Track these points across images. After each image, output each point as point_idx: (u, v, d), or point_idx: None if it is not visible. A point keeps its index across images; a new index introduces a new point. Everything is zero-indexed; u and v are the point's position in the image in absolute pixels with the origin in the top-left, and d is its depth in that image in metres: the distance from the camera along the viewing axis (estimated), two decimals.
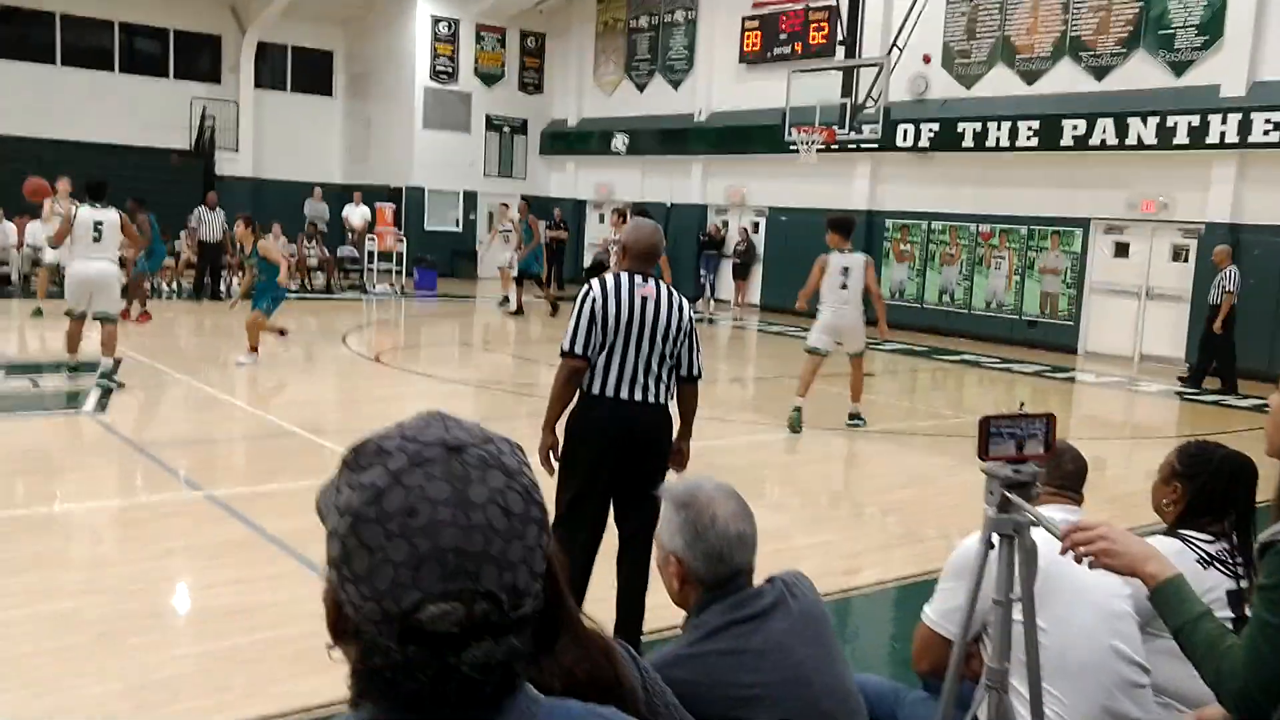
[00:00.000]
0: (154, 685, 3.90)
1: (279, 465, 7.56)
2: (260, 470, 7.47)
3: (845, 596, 5.38)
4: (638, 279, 4.17)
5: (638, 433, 4.16)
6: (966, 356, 15.53)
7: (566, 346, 4.13)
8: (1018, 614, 2.17)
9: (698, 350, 4.31)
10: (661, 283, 4.24)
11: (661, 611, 4.29)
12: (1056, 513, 2.47)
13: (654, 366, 4.15)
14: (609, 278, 4.19)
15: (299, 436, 8.26)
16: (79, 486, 6.59)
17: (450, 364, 13.63)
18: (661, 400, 4.21)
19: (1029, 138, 16.50)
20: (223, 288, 18.02)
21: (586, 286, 4.21)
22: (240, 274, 15.82)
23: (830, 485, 8.08)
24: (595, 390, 4.14)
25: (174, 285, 18.62)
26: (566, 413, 4.23)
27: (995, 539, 2.13)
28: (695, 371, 4.31)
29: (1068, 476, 2.79)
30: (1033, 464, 2.12)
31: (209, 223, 17.92)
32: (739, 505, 2.06)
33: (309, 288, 20.04)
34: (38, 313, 14.13)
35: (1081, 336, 16.59)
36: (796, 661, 1.95)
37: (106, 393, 9.06)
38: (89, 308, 9.48)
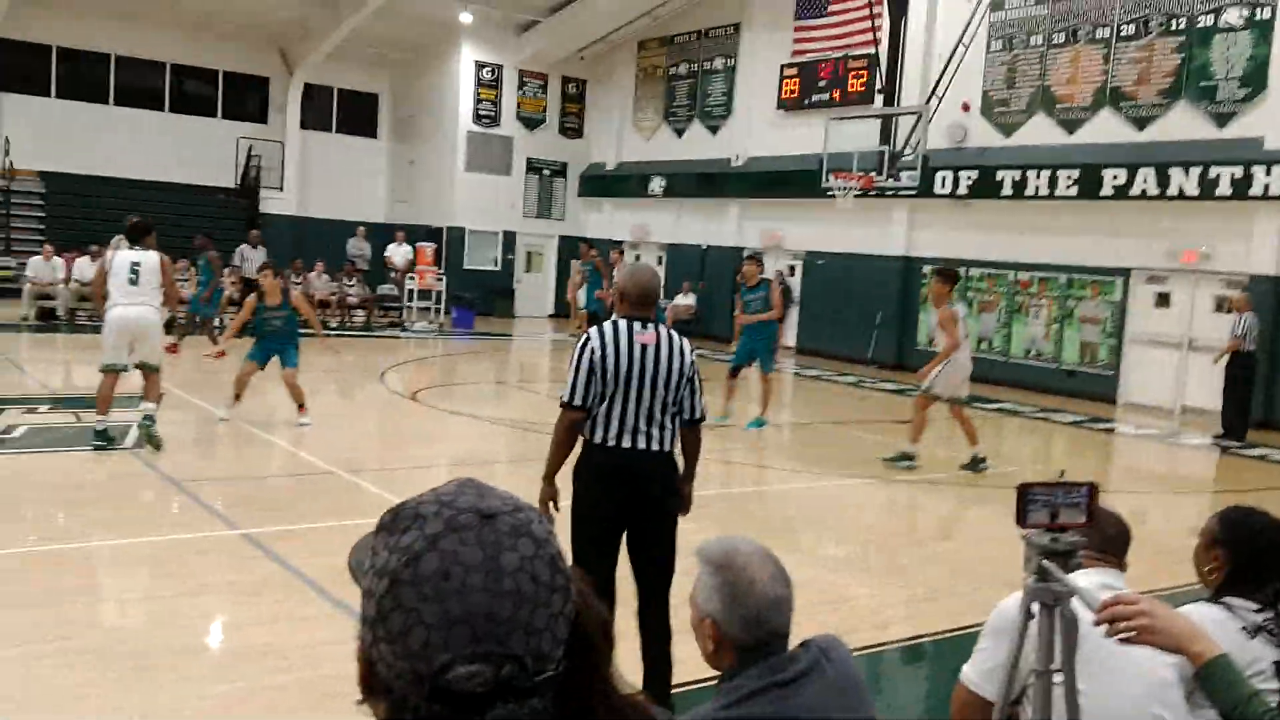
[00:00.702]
0: None
1: (316, 504, 7.61)
2: (297, 509, 7.51)
3: (878, 651, 5.31)
4: (636, 326, 4.13)
5: (642, 481, 4.12)
6: (1005, 405, 15.39)
7: (565, 397, 4.11)
8: (1059, 679, 2.14)
9: (699, 393, 4.25)
10: (661, 327, 4.20)
11: (690, 665, 4.26)
12: (1098, 578, 2.43)
13: (656, 414, 4.11)
14: (608, 326, 4.15)
15: (337, 476, 8.31)
16: (116, 522, 6.66)
17: (486, 403, 13.69)
18: (666, 447, 4.16)
19: (1068, 186, 16.43)
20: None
21: (585, 336, 4.19)
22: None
23: (865, 535, 8.00)
24: (597, 439, 4.11)
25: (217, 322, 18.88)
26: (573, 461, 4.22)
27: (1035, 608, 2.10)
28: (697, 415, 4.25)
29: (1110, 541, 2.75)
30: (1073, 533, 2.09)
31: (252, 260, 18.22)
32: (776, 568, 2.04)
33: (348, 325, 20.27)
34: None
35: (1121, 387, 16.39)
36: None
37: (156, 445, 8.51)
38: (129, 359, 8.65)
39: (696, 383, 4.23)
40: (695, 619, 2.06)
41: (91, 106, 23.62)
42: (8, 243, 21.24)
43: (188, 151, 24.20)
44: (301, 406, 10.16)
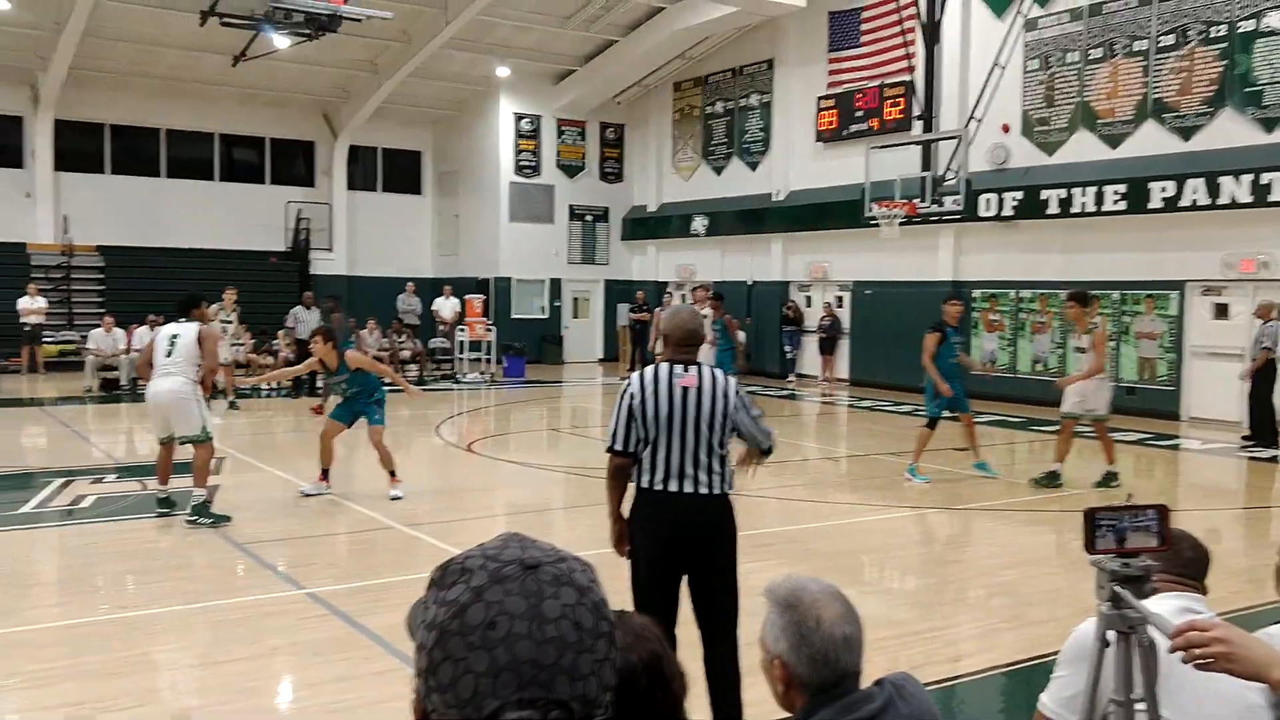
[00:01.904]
0: None
1: (377, 560, 7.67)
2: (358, 566, 7.58)
3: (951, 684, 5.21)
4: (677, 369, 4.12)
5: (692, 527, 4.09)
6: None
7: (609, 443, 4.14)
8: (1141, 707, 2.08)
9: (759, 425, 4.24)
10: (704, 369, 4.18)
11: (761, 708, 4.22)
12: (1177, 602, 2.37)
13: (702, 457, 4.07)
14: (649, 371, 4.15)
15: (396, 530, 8.37)
16: (185, 587, 6.76)
17: (540, 450, 13.74)
18: (716, 490, 4.12)
19: (1116, 201, 16.23)
20: (320, 384, 18.52)
21: (626, 381, 4.21)
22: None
23: (932, 567, 7.88)
24: (645, 484, 4.11)
25: (274, 385, 19.20)
26: (629, 505, 4.22)
27: (1111, 635, 2.06)
28: (764, 446, 4.28)
29: (1188, 564, 2.68)
30: (1145, 557, 2.04)
31: (306, 322, 18.51)
32: (844, 607, 2.02)
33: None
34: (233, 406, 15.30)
35: (1183, 402, 16.05)
36: None
37: (212, 518, 8.27)
38: (162, 431, 8.52)
39: (746, 417, 4.20)
40: (764, 660, 2.04)
41: (145, 180, 24.32)
42: (70, 317, 21.83)
43: (238, 218, 24.78)
44: (393, 475, 9.55)
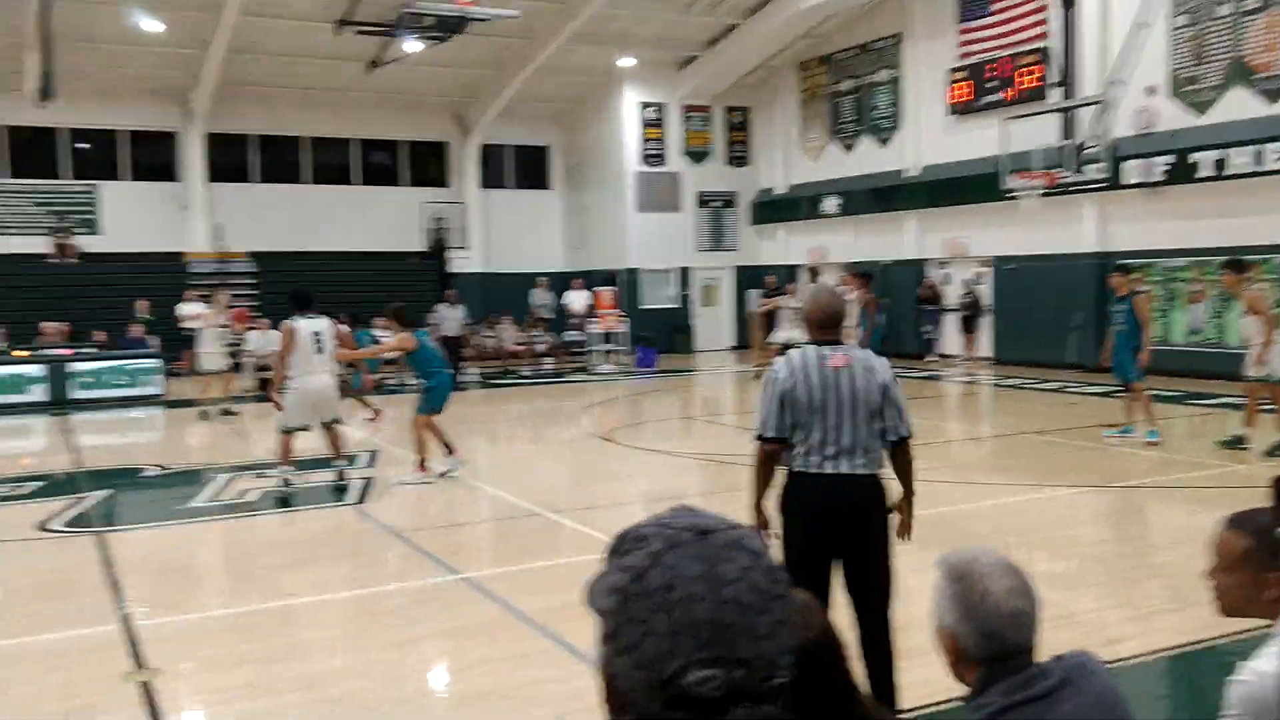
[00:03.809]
0: None
1: (525, 545, 7.86)
2: (507, 551, 7.79)
3: (1112, 669, 5.03)
4: (825, 350, 4.07)
5: (847, 507, 4.03)
6: (1226, 399, 14.38)
7: (758, 430, 4.10)
8: None
9: (903, 410, 4.13)
10: (855, 349, 4.12)
11: (923, 690, 4.17)
12: None
13: (858, 437, 4.02)
14: (795, 355, 4.10)
15: (541, 516, 8.56)
16: (345, 574, 7.06)
17: (675, 438, 13.81)
18: (870, 470, 4.07)
19: (1278, 160, 15.31)
20: (462, 378, 19.06)
21: (773, 367, 4.17)
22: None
23: (1084, 548, 7.62)
24: (798, 467, 4.07)
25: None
26: (779, 491, 4.19)
27: None
28: (904, 433, 4.13)
29: None
30: None
31: (449, 318, 19.10)
32: (1016, 581, 1.96)
33: (540, 373, 20.96)
34: (204, 415, 15.17)
35: None
36: None
37: (340, 491, 9.34)
38: (311, 421, 9.50)
39: (898, 400, 4.13)
40: (936, 631, 2.02)
41: (290, 187, 25.40)
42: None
43: (378, 220, 25.65)
44: (420, 463, 9.89)
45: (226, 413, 15.55)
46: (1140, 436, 11.03)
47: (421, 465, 9.94)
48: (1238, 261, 10.74)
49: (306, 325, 9.29)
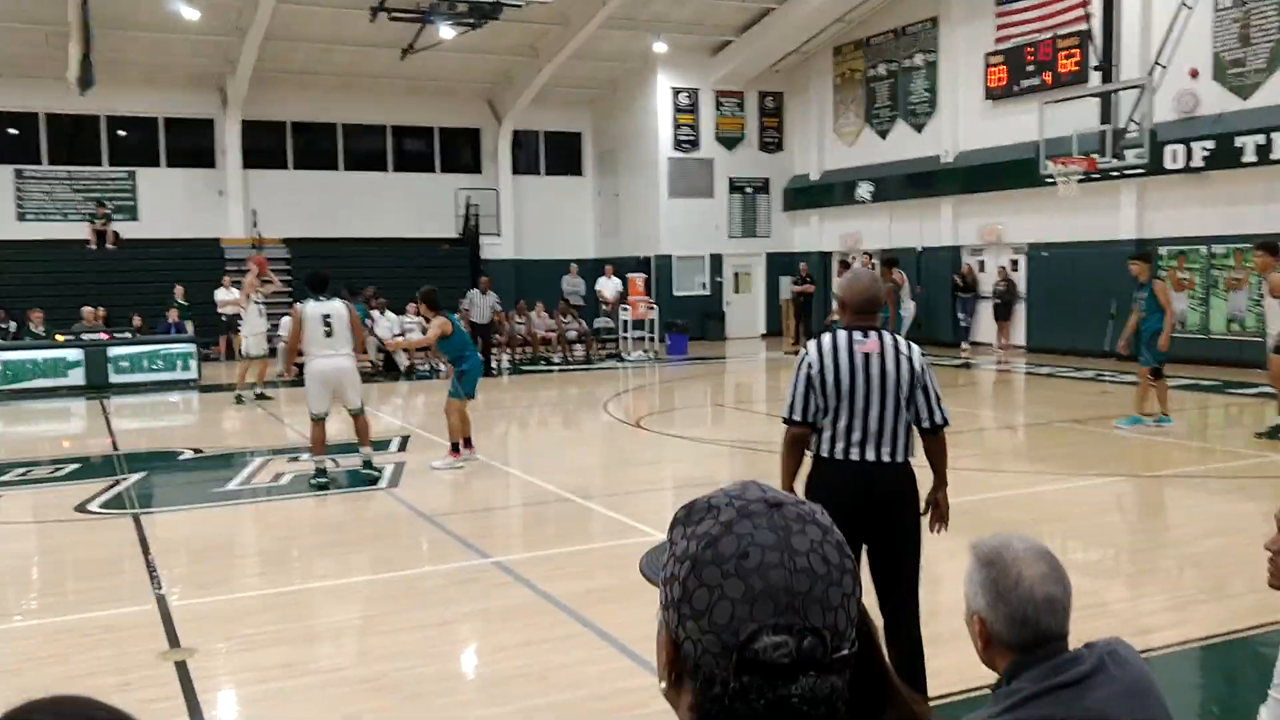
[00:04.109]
0: None
1: (556, 530, 7.90)
2: (538, 536, 7.82)
3: (1143, 658, 4.99)
4: (857, 335, 4.02)
5: (875, 495, 3.98)
6: (1265, 389, 14.16)
7: (785, 414, 4.07)
8: None
9: (937, 397, 4.08)
10: (885, 334, 4.07)
11: (951, 676, 4.15)
12: None
13: (886, 424, 3.98)
14: (826, 338, 4.06)
15: (572, 502, 8.59)
16: (377, 557, 7.12)
17: (706, 425, 13.80)
18: (899, 458, 4.02)
19: None
20: (493, 365, 19.13)
21: (803, 350, 4.13)
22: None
23: (1119, 537, 7.54)
24: (825, 453, 4.03)
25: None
26: (805, 476, 4.16)
27: None
28: (938, 420, 4.08)
29: None
30: None
31: (480, 305, 19.16)
32: (1049, 566, 1.94)
33: (570, 360, 21.01)
34: (239, 400, 15.21)
35: None
36: None
37: (371, 481, 9.24)
38: (330, 407, 9.36)
39: (932, 387, 4.08)
40: (967, 616, 2.00)
41: (324, 174, 25.56)
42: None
43: (411, 206, 25.77)
44: (455, 447, 10.00)
45: (261, 397, 15.71)
46: (1152, 425, 11.03)
47: (454, 449, 10.01)
48: (1272, 244, 10.56)
49: (315, 308, 9.14)
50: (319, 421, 9.23)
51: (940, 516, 4.24)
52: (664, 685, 1.01)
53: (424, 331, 19.74)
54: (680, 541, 1.00)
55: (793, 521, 0.98)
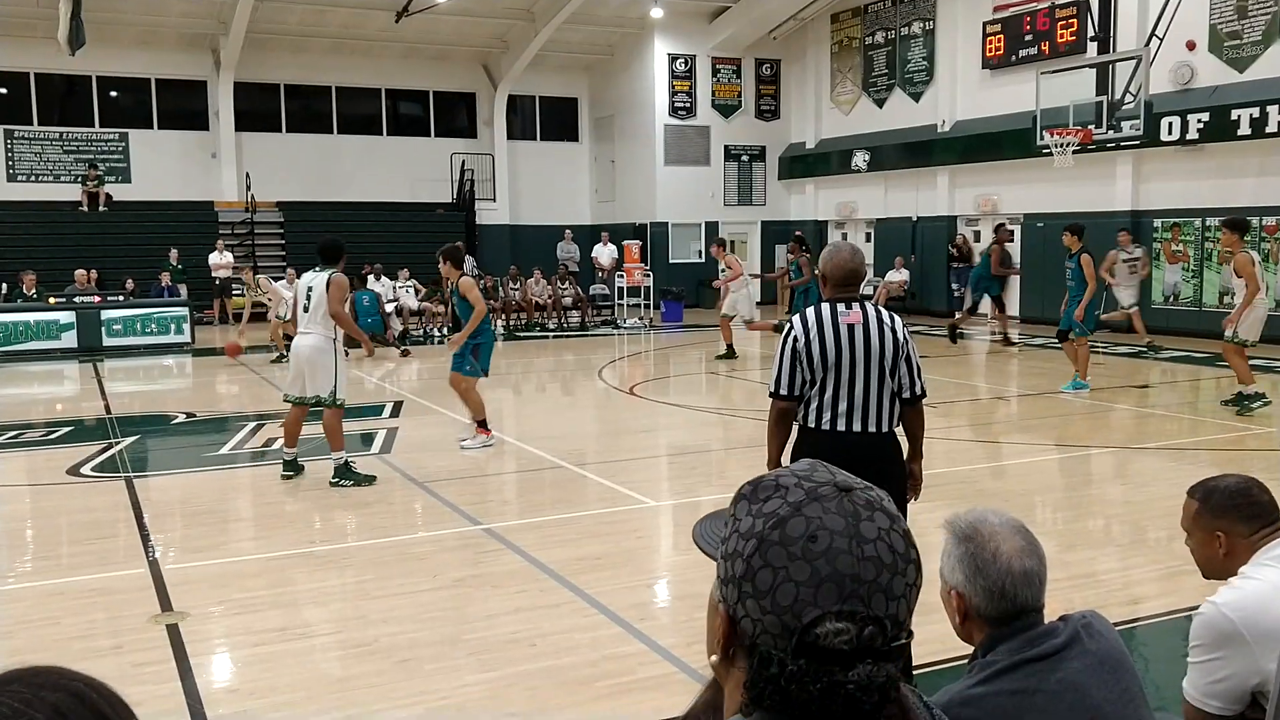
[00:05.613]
0: (449, 710, 4.18)
1: (548, 498, 7.92)
2: (531, 503, 7.84)
3: (1130, 626, 5.05)
4: (840, 307, 4.05)
5: (859, 464, 4.01)
6: (1256, 361, 14.21)
7: (772, 387, 4.10)
8: None
9: (918, 369, 4.13)
10: (869, 305, 4.11)
11: (933, 645, 4.19)
12: None
13: (872, 394, 4.02)
14: (810, 312, 4.09)
15: (565, 469, 8.62)
16: (371, 523, 7.14)
17: (700, 393, 13.83)
18: (884, 428, 4.07)
19: None
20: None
21: (788, 324, 4.15)
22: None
23: (1108, 509, 7.60)
24: (812, 424, 4.07)
25: (443, 329, 19.90)
26: (791, 447, 4.19)
27: None
28: (917, 391, 4.13)
29: None
30: None
31: (471, 272, 19.09)
32: (1025, 540, 1.98)
33: (565, 326, 21.00)
34: (281, 358, 14.91)
35: None
36: (1093, 704, 1.85)
37: (354, 479, 7.99)
38: (307, 391, 8.00)
39: (914, 359, 4.13)
40: (943, 591, 2.03)
41: (318, 137, 25.38)
42: (255, 270, 23.10)
43: (406, 171, 25.63)
44: (480, 424, 9.32)
45: (282, 358, 15.68)
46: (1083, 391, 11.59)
47: (482, 426, 9.38)
48: (1240, 221, 10.75)
49: (304, 280, 8.15)
50: (292, 405, 8.16)
51: (915, 488, 4.28)
52: (714, 658, 1.01)
53: (418, 295, 19.80)
54: (745, 518, 1.00)
55: (862, 508, 0.98)
